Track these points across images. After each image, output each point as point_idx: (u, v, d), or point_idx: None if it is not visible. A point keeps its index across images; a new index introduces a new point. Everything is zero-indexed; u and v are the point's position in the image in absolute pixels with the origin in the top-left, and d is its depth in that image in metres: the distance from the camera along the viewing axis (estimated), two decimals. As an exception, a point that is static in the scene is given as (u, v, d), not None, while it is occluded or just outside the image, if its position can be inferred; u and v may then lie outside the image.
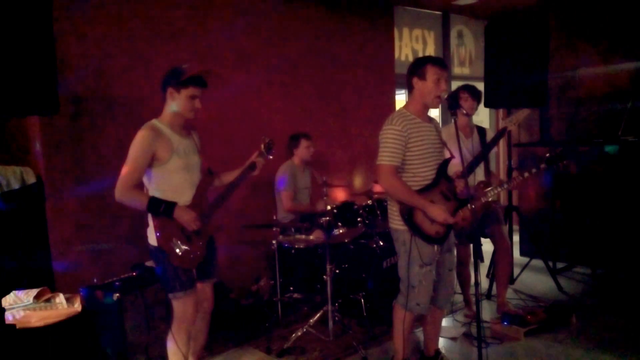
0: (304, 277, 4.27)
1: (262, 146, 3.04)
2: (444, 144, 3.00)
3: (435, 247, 2.88)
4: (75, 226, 3.66)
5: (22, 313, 2.88)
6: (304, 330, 3.60)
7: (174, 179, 2.73)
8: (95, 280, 3.21)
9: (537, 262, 5.07)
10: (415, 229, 2.83)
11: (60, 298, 3.08)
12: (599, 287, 4.79)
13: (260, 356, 3.54)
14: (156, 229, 2.68)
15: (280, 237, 4.03)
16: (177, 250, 2.69)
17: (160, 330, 3.18)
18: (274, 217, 4.10)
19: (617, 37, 5.95)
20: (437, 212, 2.78)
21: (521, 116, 3.57)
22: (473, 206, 3.24)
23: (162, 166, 2.69)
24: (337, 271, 4.07)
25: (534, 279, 4.99)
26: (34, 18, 2.72)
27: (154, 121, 2.76)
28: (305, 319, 3.76)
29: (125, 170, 2.63)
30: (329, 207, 3.88)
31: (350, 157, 5.55)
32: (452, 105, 2.83)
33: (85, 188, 3.67)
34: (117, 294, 3.01)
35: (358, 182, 5.60)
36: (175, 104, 2.73)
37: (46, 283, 3.24)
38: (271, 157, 3.07)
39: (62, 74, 3.37)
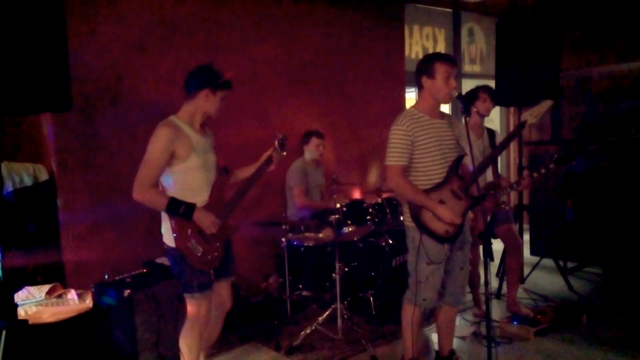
0: (313, 275, 4.28)
1: (276, 142, 2.97)
2: (457, 141, 2.95)
3: (445, 246, 2.86)
4: (86, 223, 3.68)
5: (34, 309, 2.91)
6: (313, 328, 3.61)
7: (192, 178, 2.69)
8: (106, 276, 3.22)
9: (548, 262, 5.04)
10: (423, 228, 2.82)
11: (72, 294, 3.11)
12: (609, 287, 4.75)
13: (269, 353, 3.56)
14: (174, 230, 2.64)
15: (290, 235, 4.03)
16: (195, 252, 2.66)
17: (170, 327, 3.20)
18: (284, 215, 4.11)
19: (630, 36, 5.89)
20: (444, 213, 2.77)
21: (543, 108, 3.31)
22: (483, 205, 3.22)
23: (181, 164, 2.64)
24: (346, 269, 4.07)
25: (544, 279, 4.97)
26: (47, 15, 2.73)
27: (173, 118, 2.71)
28: (314, 316, 3.76)
29: (143, 168, 2.58)
30: (338, 205, 3.88)
31: (359, 155, 5.54)
32: (466, 104, 2.80)
33: (97, 185, 3.69)
34: (128, 291, 3.02)
35: (367, 180, 5.59)
36: (208, 104, 2.71)
37: (58, 279, 3.28)
38: (284, 153, 3.00)
39: (75, 72, 3.38)
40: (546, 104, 3.27)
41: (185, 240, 2.64)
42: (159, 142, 2.58)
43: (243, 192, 2.88)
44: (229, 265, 2.94)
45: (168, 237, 2.69)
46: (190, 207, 2.61)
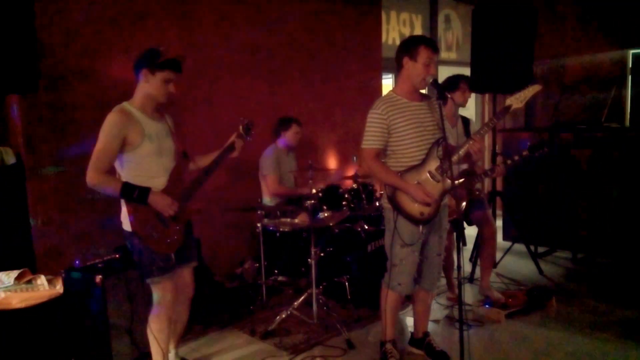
0: (289, 261, 4.28)
1: (241, 128, 2.96)
2: (437, 124, 2.91)
3: (420, 227, 2.88)
4: (56, 207, 3.61)
5: (2, 294, 2.84)
6: (288, 313, 3.62)
7: (146, 164, 2.66)
8: (77, 262, 3.17)
9: (520, 247, 5.14)
10: (398, 209, 2.85)
11: (42, 280, 3.04)
12: (578, 271, 4.88)
13: (245, 338, 3.55)
14: (130, 214, 2.61)
15: (265, 220, 4.02)
16: (154, 235, 2.63)
17: (143, 313, 3.16)
18: (259, 200, 4.09)
19: (602, 25, 5.98)
20: (416, 191, 2.78)
21: (530, 93, 3.14)
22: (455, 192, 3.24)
23: (134, 151, 2.62)
24: (322, 254, 4.08)
25: (515, 263, 5.07)
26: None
27: (125, 104, 2.67)
28: (290, 301, 3.77)
29: (95, 155, 2.56)
30: (314, 191, 3.88)
31: (335, 141, 5.54)
32: (441, 90, 2.77)
33: (66, 168, 3.60)
34: (100, 276, 2.98)
35: (343, 165, 5.60)
36: (149, 86, 2.65)
37: (27, 265, 3.19)
38: (250, 139, 2.99)
39: (43, 53, 3.29)
40: (533, 89, 3.14)
41: (142, 223, 2.62)
42: (109, 129, 2.56)
43: (202, 179, 2.84)
44: (191, 250, 2.91)
45: (125, 221, 2.67)
46: (145, 190, 2.59)
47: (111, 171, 2.64)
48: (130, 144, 2.60)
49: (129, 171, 2.65)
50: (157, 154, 2.68)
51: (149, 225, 2.62)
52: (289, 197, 4.40)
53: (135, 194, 2.56)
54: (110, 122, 2.57)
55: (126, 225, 2.67)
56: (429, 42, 2.86)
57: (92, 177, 2.54)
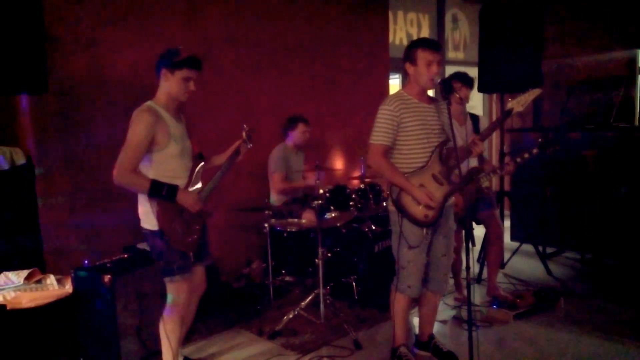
0: (296, 261, 4.28)
1: (244, 134, 3.01)
2: (442, 127, 2.95)
3: (424, 230, 2.88)
4: (65, 207, 3.63)
5: (12, 294, 2.87)
6: (296, 312, 3.62)
7: (171, 164, 2.70)
8: (86, 262, 3.19)
9: (528, 247, 5.11)
10: (402, 212, 2.85)
11: (51, 279, 3.07)
12: (587, 272, 4.85)
13: (252, 338, 3.56)
14: (157, 212, 2.64)
15: (273, 220, 4.03)
16: (179, 232, 2.68)
17: (152, 313, 3.18)
18: (267, 200, 4.09)
19: (611, 25, 5.95)
20: (420, 194, 2.79)
21: (530, 97, 3.23)
22: (463, 191, 3.24)
23: (161, 151, 2.64)
24: (329, 255, 4.08)
25: (523, 264, 5.04)
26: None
27: (151, 103, 2.68)
28: (297, 301, 3.77)
29: (125, 153, 2.56)
30: (321, 191, 3.88)
31: (342, 141, 5.53)
32: (445, 92, 2.78)
33: (76, 168, 3.63)
34: (109, 276, 2.99)
35: (351, 165, 5.59)
36: (169, 85, 2.67)
37: (37, 264, 3.22)
38: (251, 145, 3.04)
39: (53, 53, 3.31)
40: (533, 93, 3.22)
41: (169, 221, 2.66)
42: (140, 126, 2.57)
43: (215, 184, 2.89)
44: (205, 251, 2.96)
45: (148, 220, 2.69)
46: (173, 188, 2.63)
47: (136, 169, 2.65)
48: (158, 144, 2.62)
49: (154, 171, 2.66)
50: (180, 155, 2.72)
51: (175, 224, 2.67)
52: (294, 191, 4.40)
53: (164, 191, 2.60)
54: (142, 121, 2.57)
55: (148, 224, 2.69)
56: (426, 42, 2.87)
57: (120, 174, 2.54)
